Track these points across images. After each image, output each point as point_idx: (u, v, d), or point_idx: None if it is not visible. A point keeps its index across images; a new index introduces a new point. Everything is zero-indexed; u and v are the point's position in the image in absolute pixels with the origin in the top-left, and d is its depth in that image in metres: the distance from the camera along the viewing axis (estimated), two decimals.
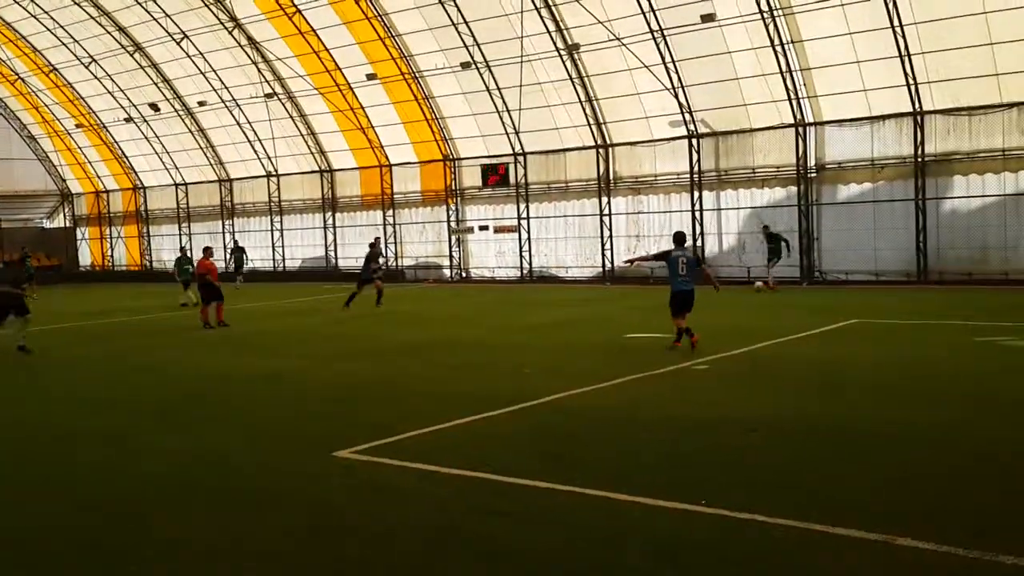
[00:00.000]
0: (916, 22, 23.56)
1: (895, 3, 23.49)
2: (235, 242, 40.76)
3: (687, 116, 28.70)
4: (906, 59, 24.14)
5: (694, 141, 29.05)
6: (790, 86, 26.31)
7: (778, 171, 27.73)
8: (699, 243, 29.21)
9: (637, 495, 7.03)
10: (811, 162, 27.06)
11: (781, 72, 26.08)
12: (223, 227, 42.59)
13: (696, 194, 29.21)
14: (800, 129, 26.86)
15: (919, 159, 25.06)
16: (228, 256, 39.21)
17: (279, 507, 7.32)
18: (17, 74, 43.17)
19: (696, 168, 29.14)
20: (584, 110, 30.64)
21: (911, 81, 24.48)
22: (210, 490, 7.92)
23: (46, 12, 38.26)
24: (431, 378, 13.11)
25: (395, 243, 37.03)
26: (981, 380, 11.45)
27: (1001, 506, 6.61)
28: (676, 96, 28.31)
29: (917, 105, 24.81)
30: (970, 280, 23.99)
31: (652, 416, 9.99)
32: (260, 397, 12.37)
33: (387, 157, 36.78)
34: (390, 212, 37.23)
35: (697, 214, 29.27)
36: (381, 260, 25.43)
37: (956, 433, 8.87)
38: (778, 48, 25.70)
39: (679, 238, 15.05)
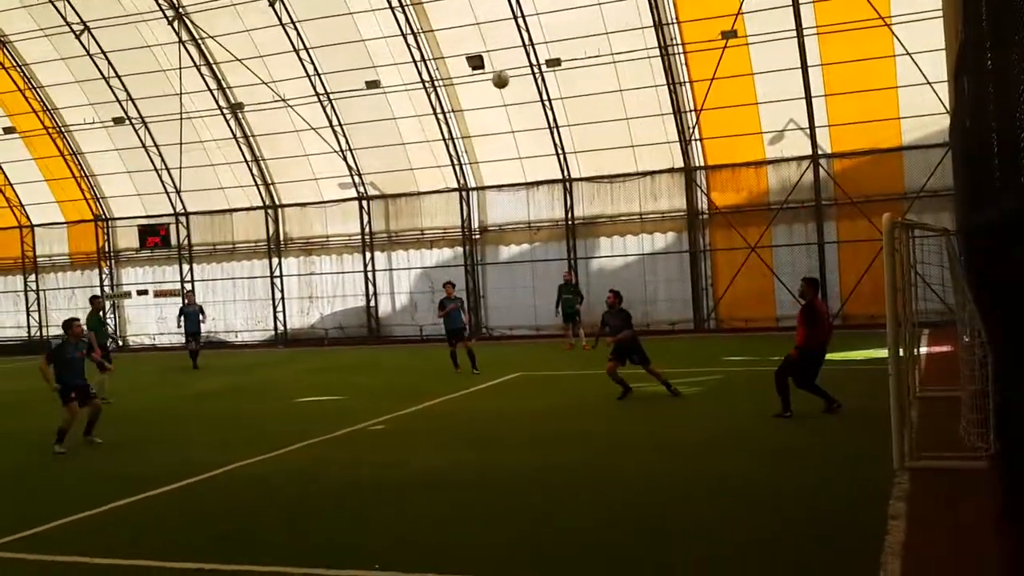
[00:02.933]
0: (563, 97, 25.76)
1: (543, 78, 25.54)
2: None
3: (356, 178, 29.04)
4: (555, 131, 26.27)
5: (364, 203, 29.42)
6: (453, 152, 27.56)
7: (445, 233, 28.80)
8: (372, 303, 29.47)
9: (320, 567, 6.83)
10: (475, 224, 28.42)
11: (443, 139, 27.26)
12: None
13: (368, 255, 29.52)
14: (464, 193, 28.16)
15: (570, 222, 27.23)
16: None
17: None
18: None
19: (367, 229, 29.48)
20: (251, 170, 29.94)
21: (560, 151, 26.64)
22: None
23: None
24: (81, 459, 11.93)
25: (38, 311, 33.59)
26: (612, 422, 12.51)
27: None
28: (344, 159, 28.57)
29: (566, 172, 27.02)
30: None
31: (328, 479, 9.80)
32: None
33: (28, 217, 33.45)
34: (32, 277, 33.76)
35: (370, 274, 29.54)
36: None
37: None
38: (440, 116, 26.88)
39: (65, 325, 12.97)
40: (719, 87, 23.89)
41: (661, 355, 20.93)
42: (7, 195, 32.78)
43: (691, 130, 25.35)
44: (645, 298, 26.42)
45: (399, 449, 11.38)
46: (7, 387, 21.81)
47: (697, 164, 25.88)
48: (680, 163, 25.91)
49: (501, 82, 19.68)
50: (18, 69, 29.51)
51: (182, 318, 23.89)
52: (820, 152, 24.50)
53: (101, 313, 19.76)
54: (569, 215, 27.25)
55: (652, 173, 26.34)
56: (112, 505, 9.12)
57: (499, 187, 28.04)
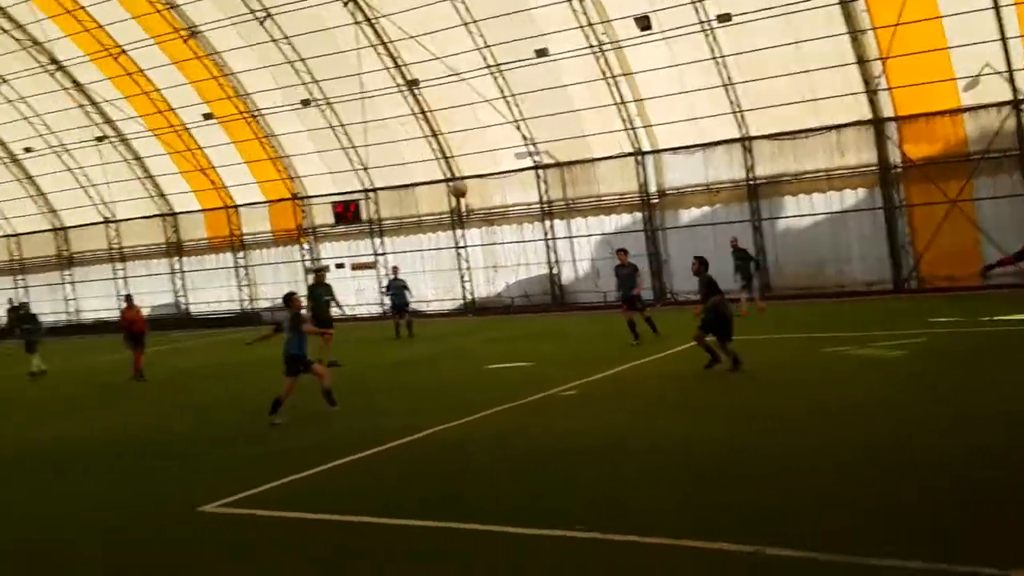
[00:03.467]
0: (737, 53, 25.00)
1: (714, 36, 24.90)
2: (10, 301, 37.49)
3: (531, 148, 29.40)
4: (730, 88, 25.59)
5: (540, 172, 29.77)
6: (625, 117, 27.39)
7: (622, 198, 28.74)
8: (554, 271, 29.90)
9: (520, 526, 7.18)
10: (652, 188, 28.18)
11: (615, 104, 27.13)
12: (62, 278, 40.44)
13: (548, 223, 29.90)
14: (639, 157, 27.97)
15: (750, 182, 26.55)
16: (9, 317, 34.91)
17: (142, 567, 7.07)
18: None
19: (545, 198, 29.86)
20: (431, 144, 30.85)
21: (737, 109, 25.95)
22: (63, 553, 7.57)
23: None
24: (298, 422, 12.90)
25: (248, 285, 36.13)
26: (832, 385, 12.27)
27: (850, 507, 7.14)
28: (519, 129, 28.97)
29: (744, 131, 26.32)
30: (810, 294, 25.43)
31: (525, 444, 10.19)
32: (124, 453, 11.84)
33: (232, 198, 35.90)
34: (240, 254, 36.31)
35: (550, 242, 29.95)
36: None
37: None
38: (610, 80, 26.74)
39: (286, 299, 13.74)
40: (904, 33, 22.53)
41: (860, 317, 20.39)
42: (212, 178, 35.24)
43: (876, 80, 24.08)
44: (838, 257, 25.46)
45: (591, 415, 11.64)
46: (224, 357, 23.70)
47: (886, 115, 24.57)
48: (867, 115, 24.70)
49: (459, 192, 19.96)
50: (211, 58, 31.50)
51: (388, 291, 24.90)
52: (1021, 97, 22.72)
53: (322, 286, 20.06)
54: (750, 175, 26.58)
55: (837, 127, 25.22)
56: (326, 467, 9.87)
57: (674, 149, 27.66)
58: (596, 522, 7.06)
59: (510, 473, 9.12)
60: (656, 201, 28.23)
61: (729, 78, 25.42)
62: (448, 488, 8.71)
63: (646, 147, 27.96)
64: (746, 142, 26.41)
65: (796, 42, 24.18)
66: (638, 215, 28.42)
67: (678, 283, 27.93)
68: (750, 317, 21.12)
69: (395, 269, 25.40)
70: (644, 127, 27.67)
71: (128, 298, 21.87)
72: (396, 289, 24.22)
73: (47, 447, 13.03)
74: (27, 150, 37.29)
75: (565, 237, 29.93)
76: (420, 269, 32.37)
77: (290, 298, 13.61)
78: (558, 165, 29.57)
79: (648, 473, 8.65)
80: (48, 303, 40.59)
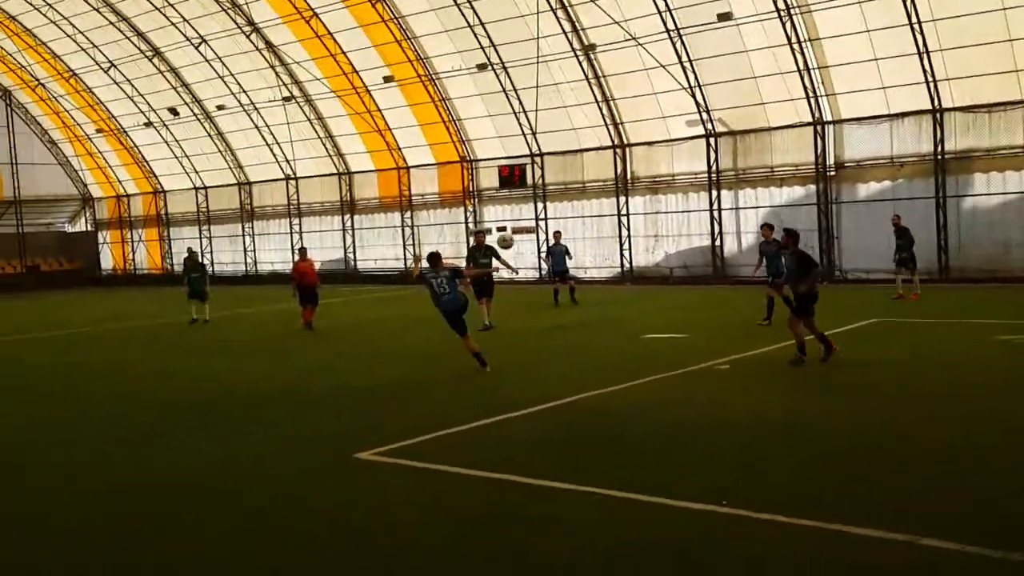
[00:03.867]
0: (934, 19, 23.41)
1: (913, 1, 23.35)
2: (189, 250, 39.59)
3: (704, 115, 28.64)
4: (924, 56, 23.99)
5: (712, 140, 28.97)
6: (808, 84, 26.20)
7: (796, 170, 27.61)
8: (718, 243, 29.16)
9: (663, 496, 7.05)
10: (830, 160, 26.93)
11: (799, 70, 25.98)
12: (243, 230, 42.87)
13: (715, 193, 29.14)
14: (818, 127, 26.73)
15: (939, 156, 24.90)
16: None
17: (298, 510, 7.39)
18: (37, 79, 43.57)
19: (714, 167, 29.07)
20: (601, 110, 30.62)
21: (930, 79, 24.32)
22: (230, 491, 8.01)
23: (65, 17, 38.59)
24: (451, 380, 13.16)
25: (413, 245, 37.17)
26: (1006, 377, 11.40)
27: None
28: (693, 95, 28.26)
29: (936, 103, 24.65)
30: (993, 278, 23.77)
31: (674, 416, 10.00)
32: (287, 400, 12.45)
33: (404, 159, 36.91)
34: (408, 214, 37.36)
35: (716, 213, 29.20)
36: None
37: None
38: (795, 46, 25.61)
39: (433, 259, 13.94)
40: None
41: None
42: (387, 139, 36.33)
43: None
44: None
45: (743, 390, 11.28)
46: (388, 312, 24.50)
47: None
48: None
49: (505, 243, 18.79)
50: (395, 21, 32.32)
51: (549, 256, 24.88)
52: None
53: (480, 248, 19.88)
54: (938, 149, 24.91)
55: None
56: (478, 423, 10.02)
57: (858, 120, 26.25)
58: (741, 499, 6.83)
59: (658, 444, 8.97)
60: (833, 174, 26.98)
61: (925, 45, 23.83)
62: (596, 454, 8.64)
63: (828, 117, 26.69)
64: (937, 114, 24.76)
65: (1003, 8, 22.38)
66: (811, 188, 27.28)
67: (848, 260, 26.71)
68: (919, 300, 20.00)
69: (556, 234, 25.20)
70: (827, 96, 26.43)
71: (302, 251, 22.35)
72: (557, 255, 24.16)
73: (215, 392, 13.83)
74: (219, 107, 39.57)
75: (731, 208, 29.10)
76: (580, 236, 32.32)
77: (436, 257, 13.83)
78: (731, 134, 28.72)
79: (799, 453, 8.28)
80: (229, 253, 43.23)
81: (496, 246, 19.43)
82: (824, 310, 13.34)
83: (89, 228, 50.51)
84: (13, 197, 46.14)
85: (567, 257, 24.24)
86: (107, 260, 50.36)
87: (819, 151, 26.86)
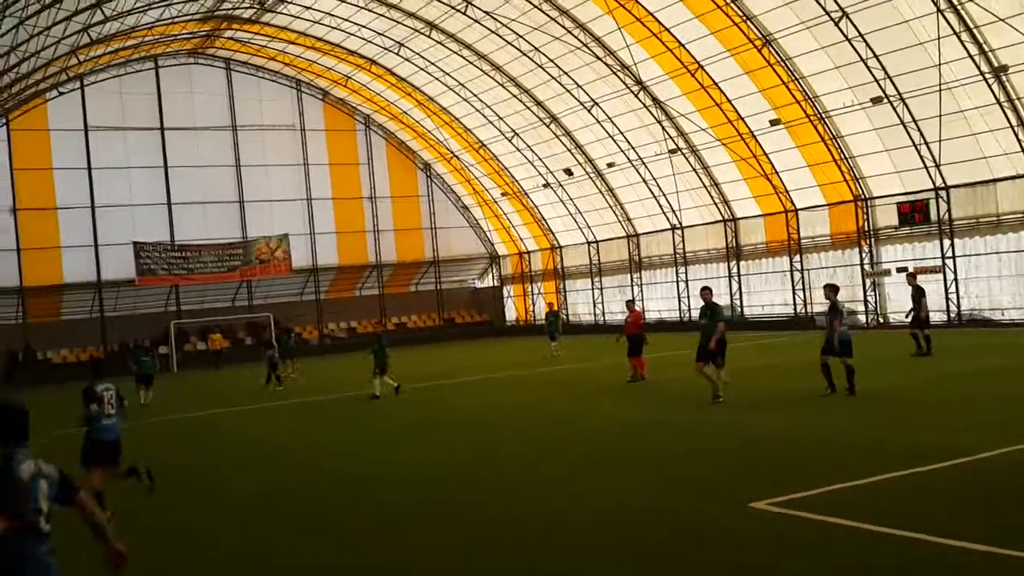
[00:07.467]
0: None
1: None
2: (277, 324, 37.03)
3: None
4: None
5: None
6: None
7: None
8: None
9: None
10: None
11: None
12: (631, 280, 44.29)
13: None
14: None
15: None
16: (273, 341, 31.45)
17: (691, 556, 7.40)
18: (452, 152, 48.86)
19: None
20: (1017, 135, 27.53)
21: None
22: (618, 530, 8.23)
23: (475, 95, 43.02)
24: (850, 430, 12.44)
25: (803, 290, 35.90)
26: None
27: None
28: None
29: None
30: None
31: None
32: (672, 445, 12.59)
33: (792, 202, 35.93)
34: (796, 257, 36.21)
35: None
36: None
37: None
38: None
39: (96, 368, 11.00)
40: None
41: None
42: (774, 183, 35.64)
43: None
44: None
45: None
46: (772, 360, 23.75)
47: None
48: None
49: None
50: (782, 64, 31.79)
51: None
52: None
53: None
54: None
55: None
56: (880, 477, 9.36)
57: None
58: None
59: None
60: None
61: None
62: (1011, 516, 7.69)
63: None
64: None
65: None
66: None
67: None
68: None
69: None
70: None
71: (628, 303, 22.35)
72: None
73: (612, 433, 14.30)
74: (610, 165, 41.53)
75: None
76: (996, 273, 29.14)
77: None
78: None
79: None
80: (616, 303, 44.63)
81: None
82: None
83: (495, 283, 55.16)
84: (433, 258, 51.93)
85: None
86: (511, 312, 54.55)
87: None
